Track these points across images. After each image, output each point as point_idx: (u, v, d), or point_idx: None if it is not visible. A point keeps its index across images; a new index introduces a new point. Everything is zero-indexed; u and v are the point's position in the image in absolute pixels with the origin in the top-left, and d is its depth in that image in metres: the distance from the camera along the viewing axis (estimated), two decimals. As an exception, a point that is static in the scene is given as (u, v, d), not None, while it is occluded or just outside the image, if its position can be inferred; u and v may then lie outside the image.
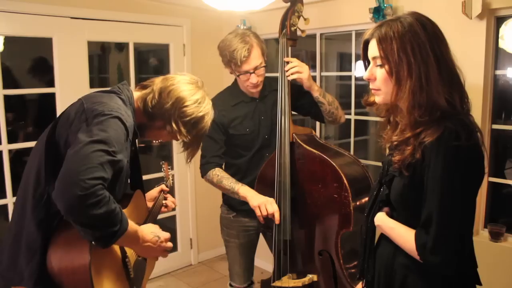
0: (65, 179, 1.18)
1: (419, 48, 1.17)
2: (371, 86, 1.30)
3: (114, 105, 1.38)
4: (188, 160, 1.66)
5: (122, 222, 1.28)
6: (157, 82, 1.56)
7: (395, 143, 1.25)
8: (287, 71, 2.08)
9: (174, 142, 3.64)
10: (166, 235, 1.51)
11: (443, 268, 1.16)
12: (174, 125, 1.50)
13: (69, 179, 1.17)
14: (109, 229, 1.24)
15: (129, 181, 1.72)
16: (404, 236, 1.23)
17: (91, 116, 1.31)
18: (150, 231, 1.46)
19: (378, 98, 1.30)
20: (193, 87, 1.55)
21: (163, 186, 1.97)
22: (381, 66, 1.23)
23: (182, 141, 1.57)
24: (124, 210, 1.45)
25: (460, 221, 1.15)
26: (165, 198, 1.97)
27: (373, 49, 1.25)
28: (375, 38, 1.24)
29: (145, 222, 1.66)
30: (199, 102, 1.54)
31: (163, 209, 1.94)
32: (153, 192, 1.94)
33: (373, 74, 1.27)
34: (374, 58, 1.25)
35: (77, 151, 1.22)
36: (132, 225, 1.34)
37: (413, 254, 1.19)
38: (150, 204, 1.85)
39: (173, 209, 2.08)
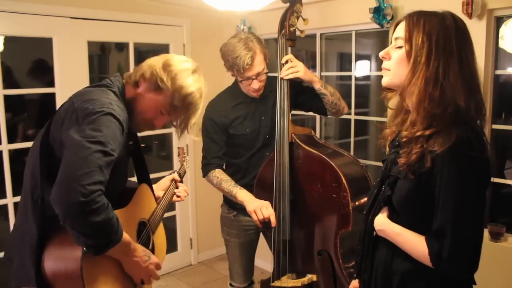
0: (64, 184, 1.17)
1: (444, 42, 1.15)
2: (382, 65, 1.29)
3: (105, 100, 1.34)
4: (180, 135, 1.60)
5: (117, 232, 1.27)
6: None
7: (404, 139, 1.23)
8: (282, 73, 2.09)
9: (174, 144, 3.64)
10: (156, 259, 1.50)
11: (459, 275, 1.17)
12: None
13: (69, 185, 1.16)
14: (103, 239, 1.23)
15: (136, 177, 1.71)
16: (413, 242, 1.20)
17: (82, 115, 1.28)
18: (142, 249, 1.45)
19: (385, 78, 1.29)
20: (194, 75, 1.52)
21: (175, 176, 1.93)
22: (400, 47, 1.22)
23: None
24: (127, 207, 1.45)
25: (474, 229, 1.15)
26: (177, 187, 1.94)
27: (400, 30, 1.23)
28: (405, 19, 1.22)
29: (153, 213, 1.66)
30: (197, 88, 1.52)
31: (175, 198, 1.92)
32: (165, 181, 1.91)
33: (388, 53, 1.26)
34: (396, 38, 1.24)
35: (74, 154, 1.20)
36: (126, 236, 1.33)
37: (423, 260, 1.18)
38: (161, 194, 1.83)
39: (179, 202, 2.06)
